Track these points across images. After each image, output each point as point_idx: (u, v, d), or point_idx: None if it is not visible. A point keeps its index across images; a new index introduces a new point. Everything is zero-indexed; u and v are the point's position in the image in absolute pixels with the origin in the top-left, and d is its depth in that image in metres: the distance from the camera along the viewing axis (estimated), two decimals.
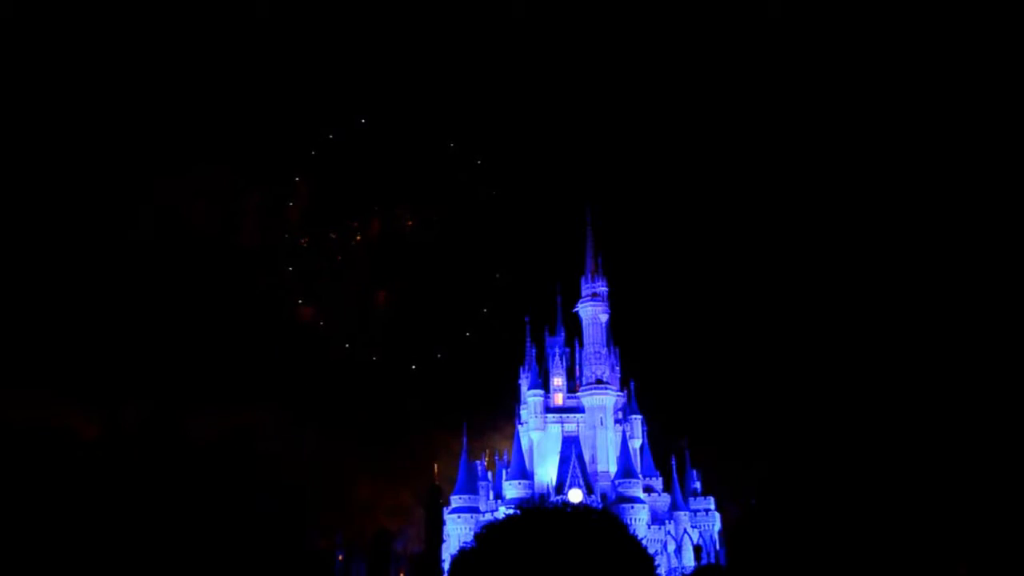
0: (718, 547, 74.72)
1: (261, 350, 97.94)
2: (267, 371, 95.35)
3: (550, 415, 79.09)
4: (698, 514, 77.08)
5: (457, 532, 73.24)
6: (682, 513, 76.50)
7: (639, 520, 71.20)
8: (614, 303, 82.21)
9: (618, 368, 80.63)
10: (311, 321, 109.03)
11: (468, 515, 75.02)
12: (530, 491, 73.60)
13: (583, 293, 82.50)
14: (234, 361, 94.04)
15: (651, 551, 38.77)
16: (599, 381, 78.87)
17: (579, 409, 79.17)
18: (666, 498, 77.02)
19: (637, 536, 35.99)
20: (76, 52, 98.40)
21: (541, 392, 79.45)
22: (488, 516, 70.85)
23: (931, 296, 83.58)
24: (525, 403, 79.86)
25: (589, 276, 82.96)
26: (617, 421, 79.28)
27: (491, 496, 77.87)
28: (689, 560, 70.79)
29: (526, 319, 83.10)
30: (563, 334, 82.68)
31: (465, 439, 78.91)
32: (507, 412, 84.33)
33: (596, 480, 76.07)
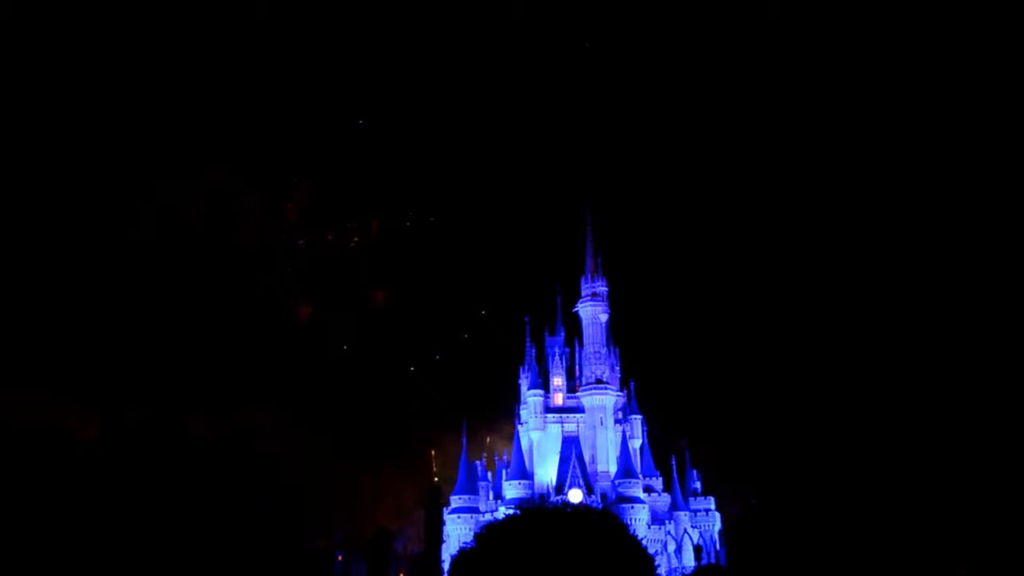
0: (718, 547, 74.67)
1: (260, 351, 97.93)
2: (266, 372, 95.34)
3: (550, 415, 79.03)
4: (698, 514, 77.03)
5: (457, 532, 73.19)
6: (682, 513, 76.46)
7: (639, 520, 71.15)
8: (614, 303, 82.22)
9: (618, 368, 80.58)
10: (310, 321, 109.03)
11: (468, 515, 74.96)
12: (530, 491, 73.55)
13: (583, 293, 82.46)
14: (233, 362, 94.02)
15: (651, 551, 38.76)
16: (599, 381, 78.82)
17: (579, 409, 79.13)
18: (666, 498, 76.97)
19: (637, 536, 35.98)
20: (75, 52, 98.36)
21: (541, 392, 79.40)
22: (488, 516, 70.80)
23: (931, 296, 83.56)
24: (525, 403, 79.82)
25: (589, 276, 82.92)
26: (617, 421, 79.24)
27: (491, 496, 77.82)
28: (689, 560, 70.75)
29: (526, 319, 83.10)
30: (563, 334, 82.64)
31: (465, 439, 78.87)
32: (507, 412, 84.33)
33: (596, 480, 76.03)
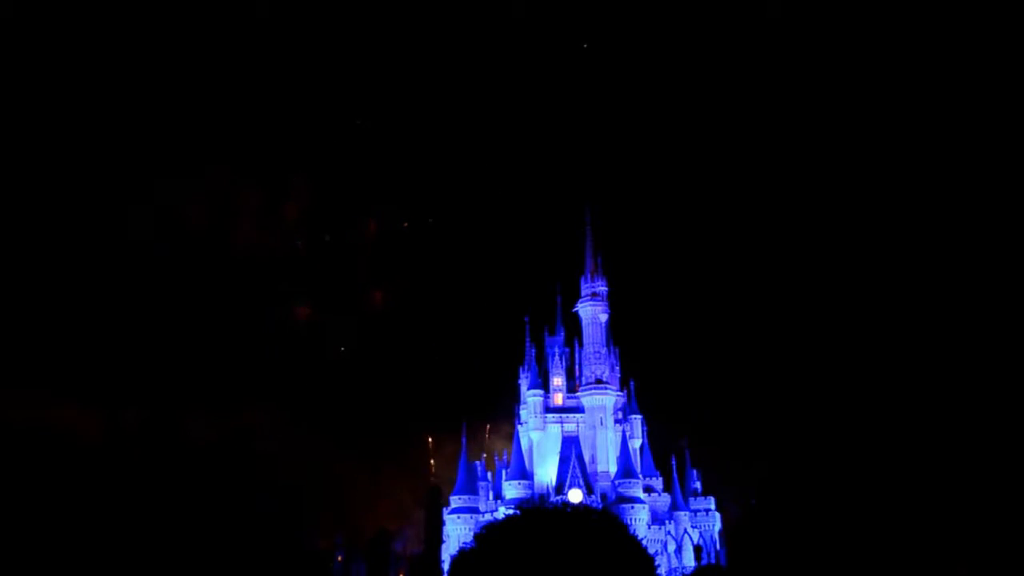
0: (718, 547, 74.64)
1: (260, 351, 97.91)
2: (266, 372, 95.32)
3: (550, 415, 79.00)
4: (698, 514, 77.01)
5: (457, 532, 73.16)
6: (682, 513, 76.43)
7: (639, 520, 71.12)
8: (614, 303, 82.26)
9: (618, 368, 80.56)
10: (309, 322, 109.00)
11: (468, 515, 74.95)
12: (530, 491, 73.52)
13: (583, 293, 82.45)
14: (233, 362, 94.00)
15: (651, 551, 38.69)
16: (599, 381, 78.81)
17: (579, 409, 79.10)
18: (666, 498, 76.94)
19: (637, 536, 35.91)
20: (74, 52, 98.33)
21: (541, 392, 79.37)
22: (488, 516, 70.78)
23: (931, 296, 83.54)
24: (525, 403, 79.79)
25: (589, 276, 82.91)
26: (617, 421, 79.21)
27: (491, 496, 77.81)
28: (689, 560, 70.72)
29: (526, 319, 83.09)
30: (563, 334, 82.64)
31: (464, 439, 78.87)
32: (507, 412, 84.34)
33: (596, 480, 76.00)
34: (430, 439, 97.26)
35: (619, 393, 79.93)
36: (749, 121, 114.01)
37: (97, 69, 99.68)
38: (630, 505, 72.28)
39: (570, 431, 78.14)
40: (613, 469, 76.39)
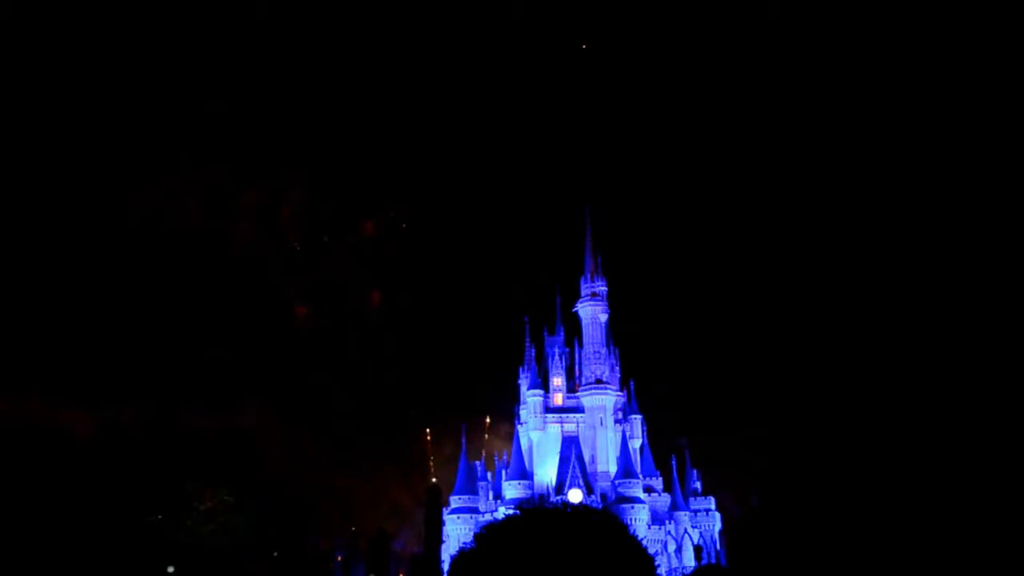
0: (718, 547, 74.55)
1: (259, 352, 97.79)
2: (266, 373, 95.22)
3: (550, 415, 78.88)
4: (698, 514, 76.89)
5: (456, 533, 73.05)
6: (682, 513, 76.32)
7: (639, 520, 71.00)
8: (613, 303, 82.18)
9: (618, 368, 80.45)
10: (309, 322, 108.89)
11: (467, 515, 74.83)
12: (530, 491, 73.41)
13: (582, 293, 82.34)
14: (233, 363, 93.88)
15: (651, 551, 38.54)
16: (599, 381, 78.69)
17: (579, 409, 78.98)
18: (666, 498, 76.83)
19: (637, 536, 35.76)
20: (74, 52, 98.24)
21: (540, 392, 79.25)
22: (488, 516, 70.70)
23: (931, 295, 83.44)
24: (524, 403, 79.67)
25: (588, 276, 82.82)
26: (617, 421, 79.10)
27: (491, 496, 77.70)
28: (689, 560, 70.61)
29: (525, 319, 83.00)
30: (562, 334, 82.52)
31: (464, 439, 78.77)
32: (506, 412, 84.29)
33: (596, 480, 75.89)
34: (429, 438, 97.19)
35: (619, 393, 79.82)
36: (749, 121, 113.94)
37: (97, 69, 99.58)
38: (630, 505, 72.15)
39: (570, 431, 78.02)
40: (613, 469, 76.29)
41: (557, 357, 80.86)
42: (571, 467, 74.70)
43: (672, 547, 73.78)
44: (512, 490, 74.46)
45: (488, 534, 32.91)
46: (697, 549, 65.13)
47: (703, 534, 75.02)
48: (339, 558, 75.76)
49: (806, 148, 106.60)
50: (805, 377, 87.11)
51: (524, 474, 75.75)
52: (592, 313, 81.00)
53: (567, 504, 43.75)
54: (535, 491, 73.13)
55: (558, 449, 76.85)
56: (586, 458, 76.61)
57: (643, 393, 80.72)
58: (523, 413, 79.51)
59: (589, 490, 73.70)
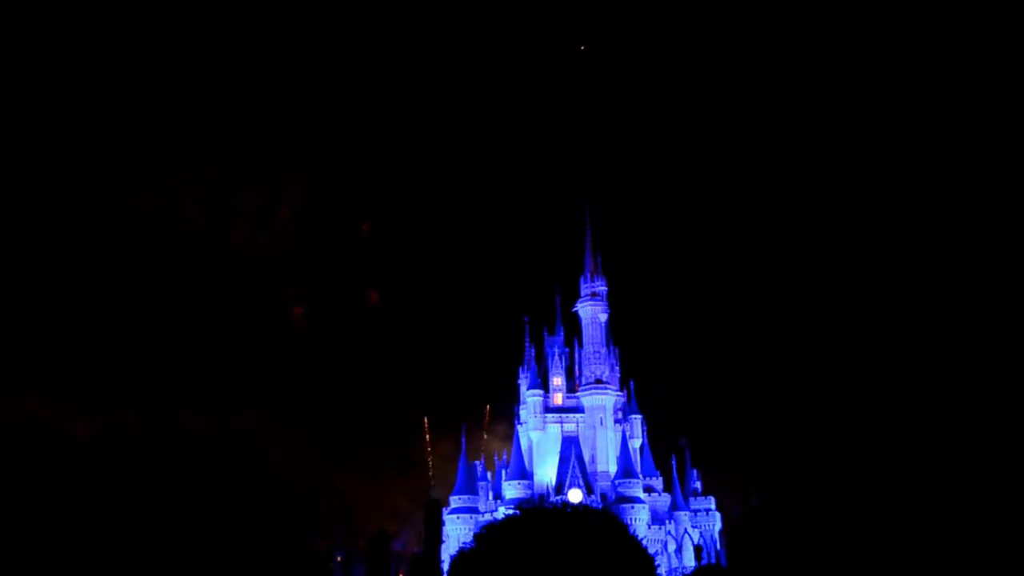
0: (718, 547, 74.44)
1: (259, 352, 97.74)
2: (266, 373, 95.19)
3: (549, 415, 78.76)
4: (698, 514, 76.80)
5: (456, 533, 72.96)
6: (682, 513, 76.22)
7: (639, 520, 70.92)
8: (613, 303, 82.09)
9: (617, 368, 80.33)
10: (308, 323, 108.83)
11: (467, 515, 74.74)
12: (530, 491, 73.31)
13: (582, 293, 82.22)
14: (233, 363, 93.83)
15: (651, 551, 38.53)
16: (598, 381, 78.58)
17: (579, 409, 78.86)
18: (666, 498, 76.73)
19: (637, 536, 35.75)
20: (73, 52, 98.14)
21: (540, 392, 79.12)
22: (487, 516, 70.59)
23: (931, 295, 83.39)
24: (524, 403, 79.55)
25: (588, 276, 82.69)
26: (617, 421, 78.99)
27: (490, 496, 77.60)
28: (689, 560, 70.52)
29: (525, 319, 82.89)
30: (562, 334, 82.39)
31: (464, 439, 78.75)
32: (506, 412, 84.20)
33: (596, 480, 75.78)
34: (427, 427, 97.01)
35: (619, 393, 79.71)
36: (748, 121, 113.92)
37: (97, 69, 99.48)
38: (630, 505, 72.06)
39: (570, 431, 77.90)
40: (613, 469, 76.18)
41: (557, 357, 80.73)
42: (571, 467, 74.61)
43: (672, 547, 73.70)
44: (512, 490, 74.36)
45: (488, 534, 32.89)
46: (697, 549, 65.03)
47: (703, 534, 74.93)
48: (339, 558, 75.66)
49: (806, 148, 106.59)
50: (805, 377, 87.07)
51: (524, 474, 75.65)
52: (592, 313, 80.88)
53: (567, 504, 43.72)
54: (535, 491, 73.04)
55: (558, 449, 76.75)
56: (586, 458, 76.51)
57: (643, 393, 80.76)
58: (523, 413, 79.40)
59: (589, 490, 73.61)
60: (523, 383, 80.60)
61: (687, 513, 76.44)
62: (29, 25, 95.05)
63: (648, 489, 76.21)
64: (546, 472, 76.69)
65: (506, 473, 76.80)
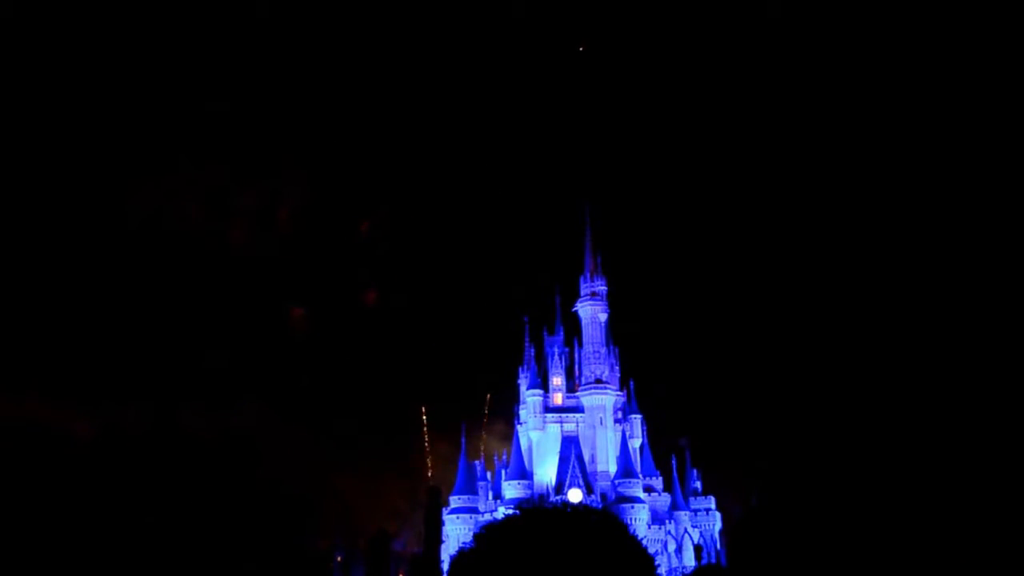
0: (719, 547, 74.43)
1: (259, 352, 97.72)
2: (265, 373, 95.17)
3: (549, 415, 78.74)
4: (698, 514, 76.79)
5: (456, 532, 72.96)
6: (682, 513, 76.21)
7: (639, 520, 70.91)
8: (613, 302, 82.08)
9: (617, 368, 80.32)
10: (308, 323, 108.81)
11: (467, 515, 74.75)
12: (529, 491, 73.30)
13: (582, 292, 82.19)
14: (233, 363, 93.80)
15: (651, 551, 38.49)
16: (598, 381, 78.55)
17: (578, 409, 78.84)
18: (666, 498, 76.72)
19: (637, 536, 35.71)
20: (73, 52, 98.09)
21: (540, 392, 79.11)
22: (487, 516, 70.58)
23: (931, 294, 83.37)
24: (524, 403, 79.53)
25: (588, 275, 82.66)
26: (617, 421, 78.98)
27: (490, 496, 77.60)
28: (690, 560, 70.51)
29: (525, 319, 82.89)
30: (562, 334, 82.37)
31: (464, 439, 78.75)
32: (506, 412, 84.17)
33: (596, 480, 75.77)
34: (424, 417, 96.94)
35: (619, 393, 79.69)
36: (748, 121, 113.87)
37: (96, 69, 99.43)
38: (630, 505, 72.05)
39: (570, 431, 77.88)
40: (613, 469, 76.17)
41: (557, 357, 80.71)
42: (571, 467, 74.59)
43: (672, 547, 73.69)
44: (512, 490, 74.35)
45: (488, 534, 32.85)
46: (697, 549, 65.03)
47: (703, 534, 74.92)
48: (339, 558, 75.61)
49: (805, 148, 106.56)
50: (805, 376, 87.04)
51: (524, 474, 75.64)
52: (592, 312, 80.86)
53: (567, 504, 43.68)
54: (535, 491, 73.02)
55: (558, 449, 76.73)
56: (586, 458, 76.50)
57: (643, 393, 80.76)
58: (523, 413, 79.38)
59: (589, 490, 73.59)
60: (523, 383, 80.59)
61: (687, 513, 76.43)
62: (29, 25, 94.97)
63: (648, 489, 76.20)
64: (546, 472, 76.68)
65: (506, 473, 76.80)
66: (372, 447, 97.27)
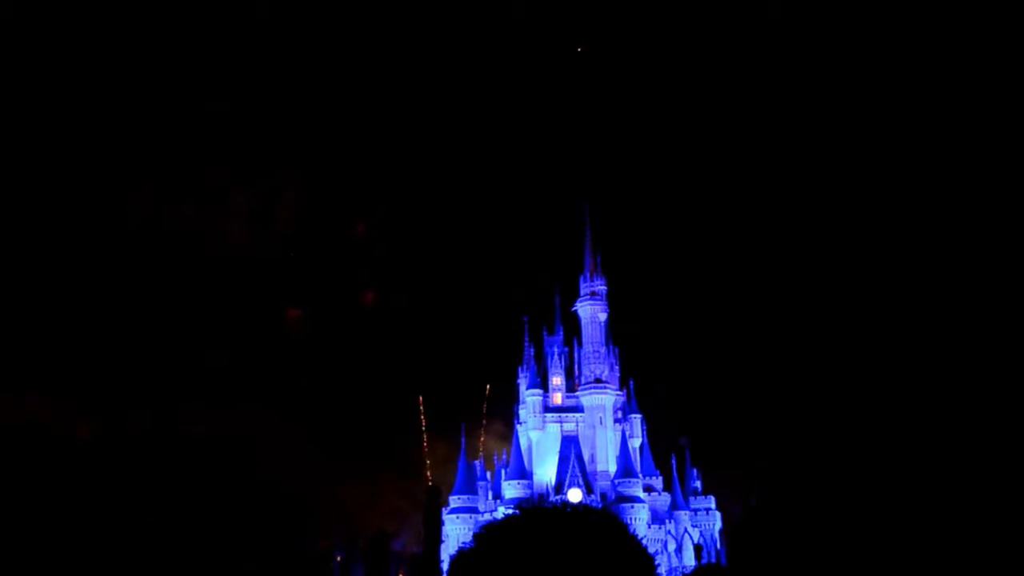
0: (719, 546, 74.41)
1: (259, 353, 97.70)
2: (265, 375, 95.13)
3: (549, 415, 78.69)
4: (698, 513, 76.74)
5: (456, 532, 72.92)
6: (682, 512, 76.17)
7: (639, 520, 70.87)
8: (613, 302, 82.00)
9: (617, 367, 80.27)
10: (307, 324, 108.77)
11: (467, 515, 74.69)
12: (529, 491, 73.28)
13: (581, 292, 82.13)
14: (232, 364, 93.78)
15: (651, 551, 38.45)
16: (598, 380, 78.51)
17: (578, 408, 78.80)
18: (666, 497, 76.68)
19: (637, 536, 35.64)
20: (72, 52, 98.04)
21: (540, 392, 79.06)
22: (487, 516, 70.53)
23: (931, 294, 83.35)
24: (524, 403, 79.47)
25: (588, 275, 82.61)
26: (616, 420, 78.94)
27: (490, 496, 77.56)
28: (690, 559, 70.49)
29: (524, 318, 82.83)
30: (562, 333, 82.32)
31: (463, 439, 78.68)
32: (506, 412, 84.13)
33: (596, 480, 75.73)
34: (422, 407, 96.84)
35: (618, 392, 79.65)
36: (747, 120, 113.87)
37: (95, 69, 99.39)
38: (630, 504, 72.00)
39: (569, 431, 77.83)
40: (613, 468, 76.13)
41: (556, 356, 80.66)
42: (571, 467, 74.56)
43: (672, 546, 73.66)
44: (511, 490, 74.32)
45: (487, 534, 32.80)
46: (697, 548, 65.02)
47: (703, 533, 74.87)
48: (338, 558, 75.59)
49: (805, 147, 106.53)
50: (804, 377, 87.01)
51: (523, 474, 75.61)
52: (591, 312, 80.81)
53: (567, 504, 43.65)
54: (535, 491, 73.01)
55: (557, 449, 76.70)
56: (585, 457, 76.46)
57: (643, 392, 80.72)
58: (522, 413, 79.34)
59: (589, 490, 73.55)
60: (522, 383, 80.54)
61: (687, 512, 76.38)
62: (28, 25, 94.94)
63: (648, 488, 76.16)
64: (546, 472, 76.64)
65: (506, 473, 76.76)
66: (372, 447, 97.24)
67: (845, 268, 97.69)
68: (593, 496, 72.86)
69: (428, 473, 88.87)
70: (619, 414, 79.46)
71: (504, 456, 79.29)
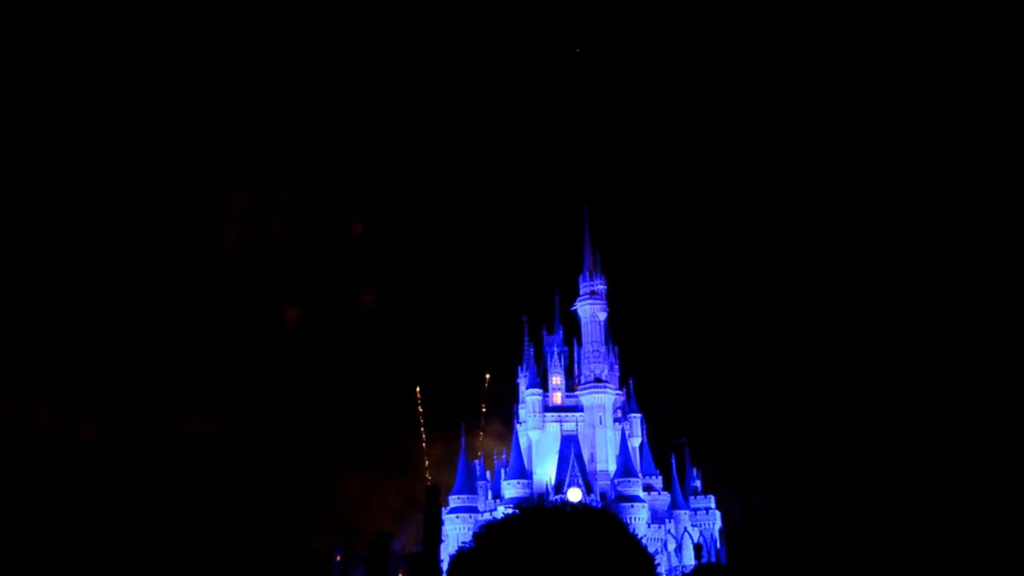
0: (719, 546, 74.41)
1: (258, 355, 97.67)
2: (264, 374, 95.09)
3: (549, 414, 78.70)
4: (698, 513, 76.75)
5: (456, 532, 72.94)
6: (682, 512, 76.17)
7: (639, 519, 70.90)
8: (613, 301, 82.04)
9: (617, 366, 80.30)
10: (305, 324, 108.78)
11: (467, 515, 74.70)
12: (529, 490, 73.29)
13: (581, 291, 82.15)
14: (232, 364, 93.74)
15: (651, 550, 38.39)
16: (598, 380, 78.52)
17: (578, 408, 78.80)
18: (666, 497, 76.68)
19: (637, 535, 35.58)
20: (71, 53, 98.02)
21: (539, 391, 79.06)
22: (487, 516, 70.53)
23: (931, 294, 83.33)
24: (523, 402, 79.48)
25: (587, 274, 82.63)
26: (616, 420, 78.94)
27: (490, 496, 77.57)
28: (690, 559, 70.49)
29: (524, 318, 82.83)
30: (561, 333, 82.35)
31: (463, 439, 78.68)
32: (506, 411, 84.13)
33: (595, 479, 75.73)
34: (419, 398, 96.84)
35: (618, 392, 79.65)
36: (747, 120, 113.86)
37: (94, 69, 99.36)
38: (630, 504, 71.99)
39: (569, 430, 77.84)
40: (612, 468, 76.12)
41: (556, 356, 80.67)
42: (570, 466, 74.55)
43: (672, 546, 73.65)
44: (511, 489, 74.32)
45: (487, 533, 32.69)
46: (697, 548, 65.00)
47: (703, 533, 74.87)
48: (339, 558, 75.54)
49: (805, 147, 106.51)
50: (805, 376, 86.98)
51: (523, 473, 75.61)
52: (591, 311, 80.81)
53: (566, 503, 43.60)
54: (534, 490, 73.03)
55: (557, 448, 76.70)
56: (585, 457, 76.45)
57: (643, 391, 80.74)
58: (522, 412, 79.35)
59: (588, 489, 73.54)
60: (522, 382, 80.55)
61: (687, 512, 76.38)
62: (28, 25, 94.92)
63: (648, 488, 76.17)
64: (545, 471, 76.64)
65: (505, 472, 76.77)
66: (371, 447, 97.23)
67: (845, 268, 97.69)
68: (593, 496, 72.86)
69: (427, 473, 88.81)
70: (619, 413, 79.47)
71: (504, 456, 79.31)
